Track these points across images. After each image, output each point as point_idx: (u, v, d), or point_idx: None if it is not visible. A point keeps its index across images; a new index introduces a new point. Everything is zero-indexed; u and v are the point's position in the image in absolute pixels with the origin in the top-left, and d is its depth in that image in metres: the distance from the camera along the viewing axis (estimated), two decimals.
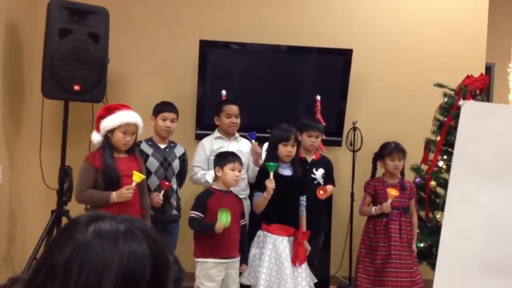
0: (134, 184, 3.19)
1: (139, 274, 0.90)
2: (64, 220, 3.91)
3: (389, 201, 3.85)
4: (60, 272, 0.88)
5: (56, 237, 0.96)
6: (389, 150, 4.02)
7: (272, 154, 3.67)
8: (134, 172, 3.21)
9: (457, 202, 1.91)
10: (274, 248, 3.52)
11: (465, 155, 1.93)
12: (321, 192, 3.82)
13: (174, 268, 0.97)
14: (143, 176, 3.24)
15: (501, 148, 1.93)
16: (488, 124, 1.93)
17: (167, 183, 3.57)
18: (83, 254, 0.89)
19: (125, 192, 3.16)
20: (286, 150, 3.63)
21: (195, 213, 3.45)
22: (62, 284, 0.87)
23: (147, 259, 0.92)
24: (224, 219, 3.30)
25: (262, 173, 3.68)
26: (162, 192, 3.56)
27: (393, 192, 3.82)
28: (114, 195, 3.17)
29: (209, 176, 3.78)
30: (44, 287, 0.88)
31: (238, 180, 3.56)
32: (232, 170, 3.48)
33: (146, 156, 3.64)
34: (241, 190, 3.82)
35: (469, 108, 1.98)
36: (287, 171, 3.67)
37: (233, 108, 3.96)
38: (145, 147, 3.69)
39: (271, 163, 3.52)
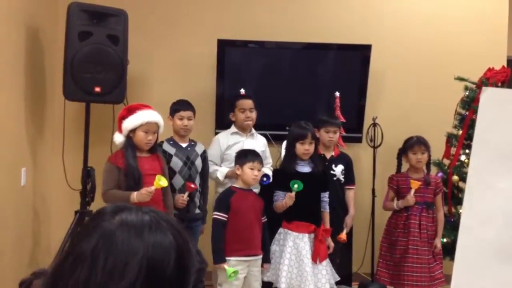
0: (153, 188, 3.18)
1: (163, 262, 0.93)
2: None
3: (412, 192, 3.82)
4: (87, 259, 0.90)
5: (83, 226, 0.98)
6: (410, 144, 3.99)
7: (290, 153, 3.68)
8: (158, 176, 3.21)
9: (477, 189, 1.89)
10: (295, 245, 3.52)
11: (485, 141, 1.90)
12: (342, 238, 3.84)
13: (197, 258, 0.99)
14: (165, 185, 3.22)
15: None
16: (509, 110, 1.90)
17: (192, 185, 3.59)
18: (109, 241, 0.92)
19: (144, 193, 3.18)
20: (304, 148, 3.63)
21: (220, 215, 3.45)
22: (89, 270, 0.90)
23: (172, 248, 0.94)
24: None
25: (282, 173, 3.69)
26: (187, 193, 3.58)
27: (415, 182, 3.81)
28: (134, 195, 3.20)
29: (220, 173, 3.79)
30: (72, 273, 0.91)
31: (257, 180, 3.56)
32: (251, 169, 3.49)
33: (169, 157, 3.67)
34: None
35: (489, 94, 1.95)
36: (306, 168, 3.67)
37: (247, 103, 3.95)
38: (167, 147, 3.71)
39: (296, 184, 3.46)
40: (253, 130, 4.04)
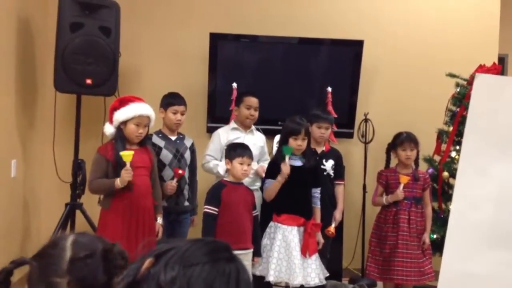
0: (128, 165, 3.16)
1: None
2: (78, 213, 3.95)
3: (401, 186, 3.83)
4: None
5: None
6: (400, 140, 4.00)
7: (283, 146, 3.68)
8: (122, 153, 3.18)
9: (469, 174, 1.90)
10: (284, 238, 3.53)
11: (477, 127, 1.92)
12: (330, 231, 3.85)
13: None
14: (131, 152, 3.18)
15: None
16: (501, 96, 1.92)
17: (180, 171, 3.58)
18: None
19: (124, 174, 3.17)
20: (296, 143, 3.63)
21: (211, 208, 3.44)
22: None
23: None
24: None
25: (274, 163, 3.69)
26: (175, 179, 3.58)
27: (404, 177, 3.83)
28: (118, 181, 3.20)
29: (221, 168, 3.78)
30: None
31: (247, 174, 3.55)
32: (241, 164, 3.48)
33: (159, 149, 3.66)
34: (252, 181, 3.83)
35: (482, 81, 1.96)
36: (297, 162, 3.67)
37: (254, 101, 3.97)
38: (156, 140, 3.70)
39: (287, 146, 3.51)
40: (253, 127, 4.05)
